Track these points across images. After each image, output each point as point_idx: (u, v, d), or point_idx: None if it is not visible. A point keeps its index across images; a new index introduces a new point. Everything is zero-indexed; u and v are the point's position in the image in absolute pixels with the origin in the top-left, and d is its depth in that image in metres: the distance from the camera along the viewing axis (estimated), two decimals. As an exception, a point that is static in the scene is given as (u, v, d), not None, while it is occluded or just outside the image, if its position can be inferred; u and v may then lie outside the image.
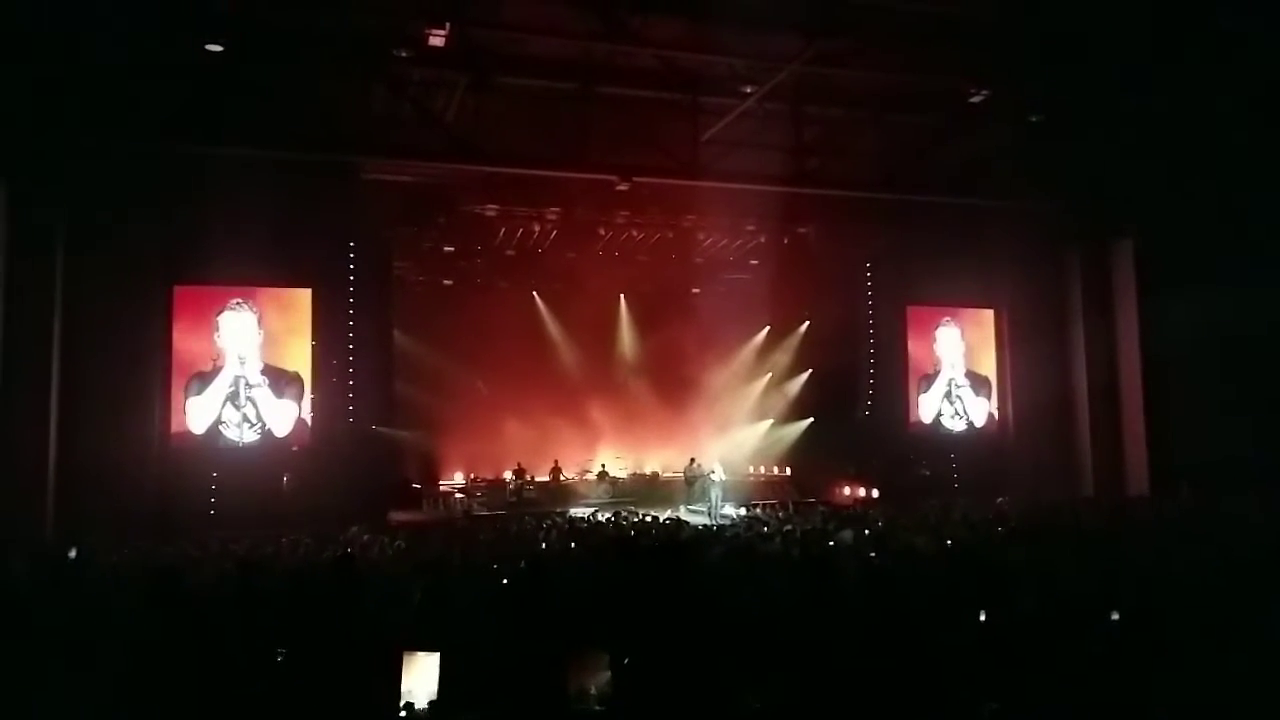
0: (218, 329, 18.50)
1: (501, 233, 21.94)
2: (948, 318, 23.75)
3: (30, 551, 11.50)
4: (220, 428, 18.38)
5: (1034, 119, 17.63)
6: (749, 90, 16.28)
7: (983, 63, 15.78)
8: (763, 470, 25.26)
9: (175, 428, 18.12)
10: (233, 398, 18.47)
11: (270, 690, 4.67)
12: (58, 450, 16.32)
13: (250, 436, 18.57)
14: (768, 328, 25.59)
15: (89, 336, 16.73)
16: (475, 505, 21.89)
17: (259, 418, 18.62)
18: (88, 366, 16.70)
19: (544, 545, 12.55)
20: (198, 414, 18.25)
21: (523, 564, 8.26)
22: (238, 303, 18.68)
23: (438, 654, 4.98)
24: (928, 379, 23.40)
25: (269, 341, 18.85)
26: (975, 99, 16.64)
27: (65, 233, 16.61)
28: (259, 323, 18.77)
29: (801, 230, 22.34)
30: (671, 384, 25.27)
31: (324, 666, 4.86)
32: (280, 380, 18.84)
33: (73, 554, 10.44)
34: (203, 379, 18.33)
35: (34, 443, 15.95)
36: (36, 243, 16.09)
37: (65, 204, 16.53)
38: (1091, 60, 15.55)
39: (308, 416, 18.96)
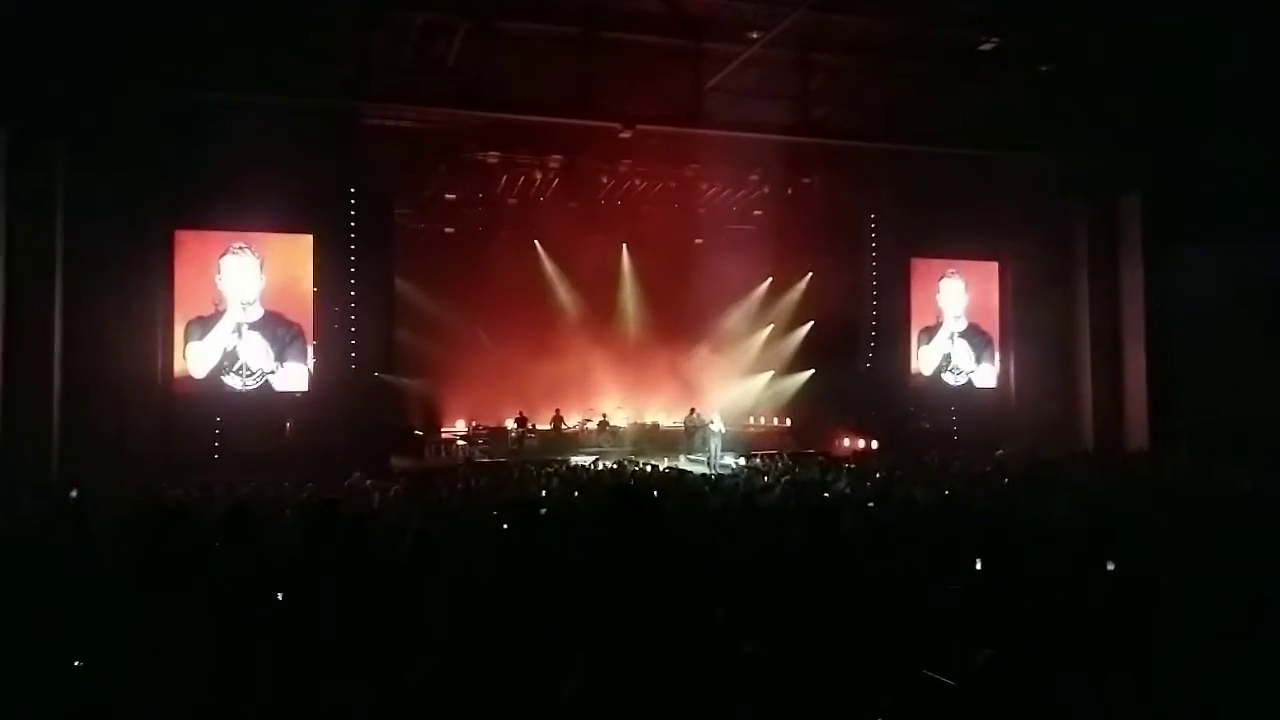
0: (219, 272, 18.48)
1: (503, 180, 21.78)
2: (951, 270, 23.64)
3: (34, 492, 11.57)
4: (221, 373, 18.42)
5: (1044, 69, 17.38)
6: (755, 36, 16.05)
7: (993, 10, 15.55)
8: (763, 421, 25.34)
9: (178, 372, 18.18)
10: (234, 343, 18.48)
11: (271, 630, 4.72)
12: (62, 394, 16.38)
13: (251, 382, 18.61)
14: (770, 279, 25.48)
15: (91, 281, 16.72)
16: (477, 453, 21.99)
17: (260, 364, 18.65)
18: (90, 311, 16.71)
19: (544, 493, 12.64)
20: (198, 358, 18.28)
21: (523, 510, 8.30)
22: (240, 247, 18.61)
23: (440, 597, 5.04)
24: (929, 331, 23.36)
25: (270, 287, 18.81)
26: (985, 47, 16.44)
27: (66, 178, 16.49)
28: (261, 268, 18.72)
29: (806, 180, 22.15)
30: (673, 334, 25.23)
31: (324, 608, 4.91)
32: (282, 326, 18.83)
33: (74, 494, 10.53)
34: (203, 323, 18.33)
35: (38, 386, 15.98)
36: (38, 188, 15.99)
37: (66, 149, 16.40)
38: (1103, 10, 15.31)
39: (310, 363, 18.98)
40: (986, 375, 23.71)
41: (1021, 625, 4.85)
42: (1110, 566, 5.64)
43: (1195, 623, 4.66)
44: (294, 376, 18.88)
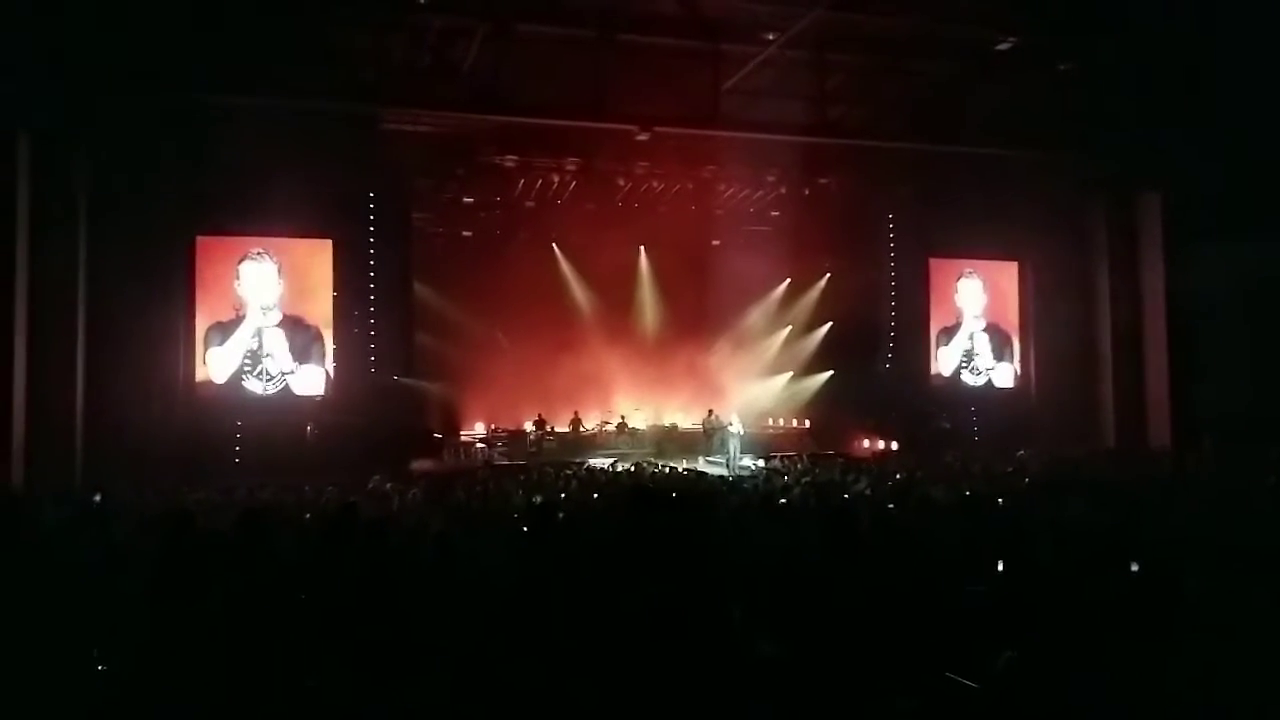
0: (239, 278, 18.60)
1: (520, 184, 21.82)
2: (970, 269, 23.53)
3: (58, 497, 11.69)
4: (242, 378, 18.54)
5: (1062, 67, 17.27)
6: (771, 37, 16.02)
7: (1011, 9, 15.47)
8: (781, 422, 25.27)
9: (199, 377, 18.31)
10: (254, 348, 18.60)
11: (290, 633, 4.74)
12: (85, 399, 16.54)
13: (272, 386, 18.73)
14: (788, 280, 25.43)
15: (113, 287, 16.88)
16: (496, 455, 22.02)
17: (280, 368, 18.76)
18: (113, 317, 16.86)
19: (563, 495, 12.65)
20: (219, 364, 18.41)
21: (541, 512, 8.31)
22: (258, 252, 18.74)
23: (460, 599, 5.04)
24: (948, 331, 23.26)
25: (290, 292, 18.93)
26: (1002, 46, 16.34)
27: (89, 184, 16.68)
28: (279, 273, 18.83)
29: (823, 181, 22.10)
30: (691, 335, 25.21)
31: (344, 611, 4.93)
32: (302, 330, 18.94)
33: (97, 499, 10.62)
34: (224, 329, 18.46)
35: (62, 392, 16.15)
36: (60, 195, 16.16)
37: (88, 156, 16.58)
38: (1122, 8, 15.20)
39: (330, 367, 19.08)
40: (1006, 375, 23.58)
41: (1044, 626, 4.81)
42: (1134, 567, 5.59)
43: (1219, 624, 4.61)
44: (314, 380, 18.99)
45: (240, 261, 18.65)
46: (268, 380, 18.69)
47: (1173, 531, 7.31)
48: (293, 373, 18.83)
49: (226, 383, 18.47)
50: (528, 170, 20.88)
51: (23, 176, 15.43)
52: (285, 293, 18.90)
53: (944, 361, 23.16)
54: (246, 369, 18.57)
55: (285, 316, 18.88)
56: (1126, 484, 12.06)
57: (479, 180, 21.27)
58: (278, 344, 18.76)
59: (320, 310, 19.16)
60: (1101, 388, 22.51)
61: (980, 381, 23.38)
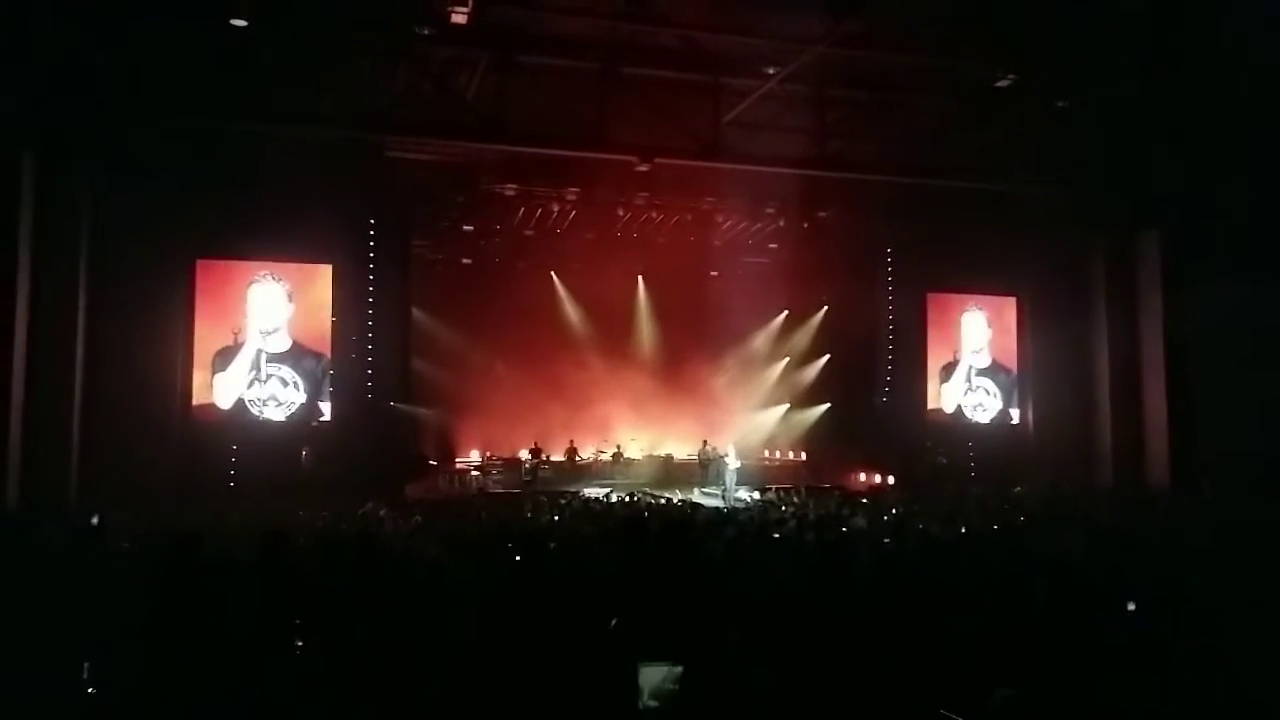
0: (247, 301, 18.65)
1: (520, 212, 21.93)
2: (969, 305, 23.60)
3: (55, 518, 11.63)
4: (245, 402, 18.52)
5: (1061, 105, 17.41)
6: (772, 72, 16.15)
7: (1010, 47, 15.60)
8: (778, 455, 25.24)
9: (197, 400, 18.28)
10: (256, 372, 18.60)
11: (286, 657, 4.72)
12: (81, 421, 16.51)
13: (273, 411, 18.70)
14: (785, 312, 25.55)
15: (113, 309, 16.92)
16: (490, 483, 22.00)
17: (283, 393, 18.74)
18: (112, 338, 16.89)
19: (556, 518, 12.60)
20: (223, 388, 18.41)
21: (533, 541, 8.27)
22: (266, 275, 18.80)
23: (453, 624, 5.03)
24: (947, 367, 23.29)
25: (293, 316, 18.96)
26: (1001, 83, 16.47)
27: (91, 207, 16.74)
28: (289, 296, 18.90)
29: (822, 214, 22.22)
30: (688, 366, 25.26)
31: (339, 635, 4.91)
32: (302, 355, 18.96)
33: (94, 521, 10.56)
34: (226, 354, 18.49)
35: (58, 413, 16.10)
36: (63, 216, 16.21)
37: (92, 178, 16.63)
38: (1121, 46, 15.35)
39: (327, 392, 19.06)
40: (1004, 411, 23.58)
41: (1039, 664, 4.80)
42: (1130, 606, 5.58)
43: (1214, 664, 4.60)
44: (312, 405, 18.97)
45: (249, 285, 18.72)
46: (270, 404, 18.67)
47: (1170, 572, 7.30)
48: (293, 398, 18.79)
49: (229, 407, 18.45)
50: (528, 199, 20.99)
51: (26, 198, 15.49)
52: (291, 317, 18.93)
53: (943, 397, 23.17)
54: (249, 394, 18.55)
55: (292, 341, 18.90)
56: (1124, 523, 12.05)
57: (479, 208, 21.39)
58: (279, 369, 18.75)
59: (319, 335, 19.18)
60: (1099, 426, 22.49)
61: (977, 417, 23.39)
